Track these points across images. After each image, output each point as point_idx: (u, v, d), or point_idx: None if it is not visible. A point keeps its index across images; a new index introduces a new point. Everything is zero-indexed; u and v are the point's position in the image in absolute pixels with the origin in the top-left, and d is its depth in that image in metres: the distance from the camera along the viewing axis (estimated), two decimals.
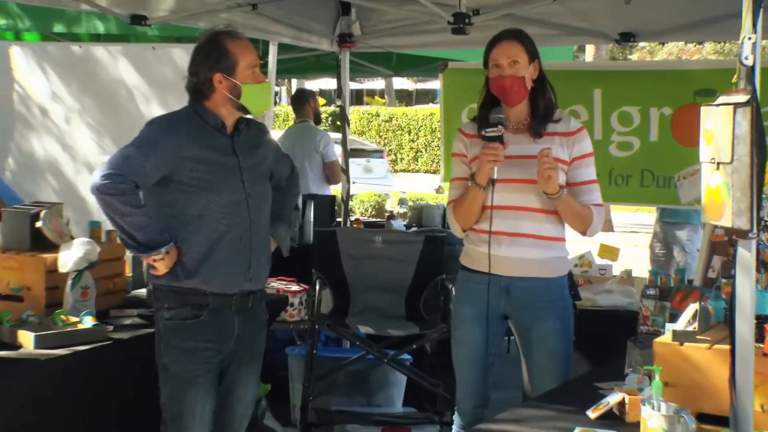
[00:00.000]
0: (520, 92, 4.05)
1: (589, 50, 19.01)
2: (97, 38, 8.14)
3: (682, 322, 3.29)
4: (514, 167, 4.01)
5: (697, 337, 3.18)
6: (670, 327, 3.27)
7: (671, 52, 27.33)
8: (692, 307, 3.30)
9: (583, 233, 4.16)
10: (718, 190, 2.62)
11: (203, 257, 3.81)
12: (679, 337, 3.17)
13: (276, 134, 9.45)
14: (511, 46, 4.05)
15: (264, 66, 8.51)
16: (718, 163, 2.63)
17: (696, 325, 3.24)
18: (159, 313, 3.90)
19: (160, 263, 3.78)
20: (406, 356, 5.86)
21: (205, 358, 3.85)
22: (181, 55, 6.85)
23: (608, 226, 17.59)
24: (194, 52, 3.89)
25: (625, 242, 14.26)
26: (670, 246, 8.01)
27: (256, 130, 4.04)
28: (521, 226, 4.05)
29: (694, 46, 26.22)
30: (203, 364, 3.85)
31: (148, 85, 7.23)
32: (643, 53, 29.28)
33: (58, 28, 7.96)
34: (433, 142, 27.96)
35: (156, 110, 6.89)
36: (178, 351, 3.84)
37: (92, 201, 7.36)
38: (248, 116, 3.96)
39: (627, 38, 6.27)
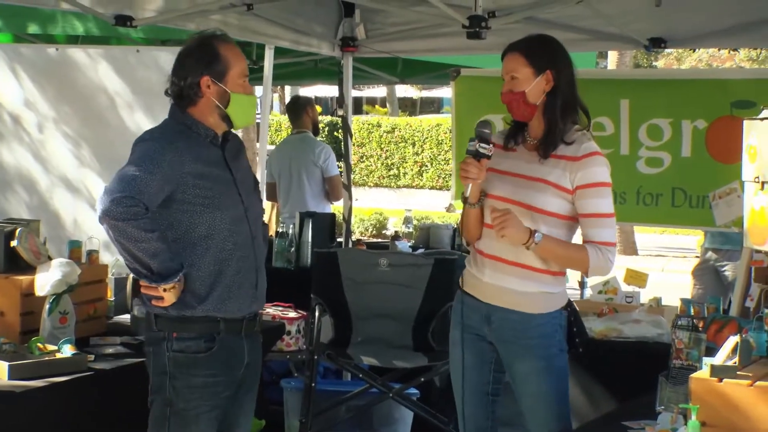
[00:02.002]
0: (520, 108, 4.05)
1: (612, 57, 19.03)
2: (75, 40, 8.15)
3: (721, 357, 3.29)
4: (508, 184, 4.04)
5: (738, 372, 3.18)
6: (707, 361, 3.28)
7: (701, 59, 27.34)
8: (732, 340, 3.31)
9: (585, 274, 4.16)
10: (763, 212, 2.64)
11: (213, 280, 3.84)
12: (718, 372, 3.18)
13: (270, 147, 9.49)
14: (511, 59, 4.07)
15: (259, 71, 8.56)
16: (764, 183, 2.65)
17: (736, 359, 3.25)
18: (163, 343, 3.84)
19: (170, 293, 3.76)
20: (412, 390, 5.86)
21: (213, 393, 3.86)
22: (168, 59, 6.79)
23: (631, 249, 17.60)
24: (182, 56, 3.92)
25: (652, 267, 14.27)
26: (718, 278, 7.65)
27: (235, 138, 4.08)
28: (500, 250, 4.04)
29: (728, 53, 26.23)
30: (210, 400, 3.86)
31: (131, 91, 7.23)
32: (670, 60, 29.31)
33: (33, 28, 7.96)
34: (439, 155, 27.96)
35: (140, 118, 6.90)
36: (188, 388, 3.83)
37: (68, 217, 7.44)
38: (233, 130, 3.99)
39: (657, 44, 6.29)
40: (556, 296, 4.10)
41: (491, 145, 3.98)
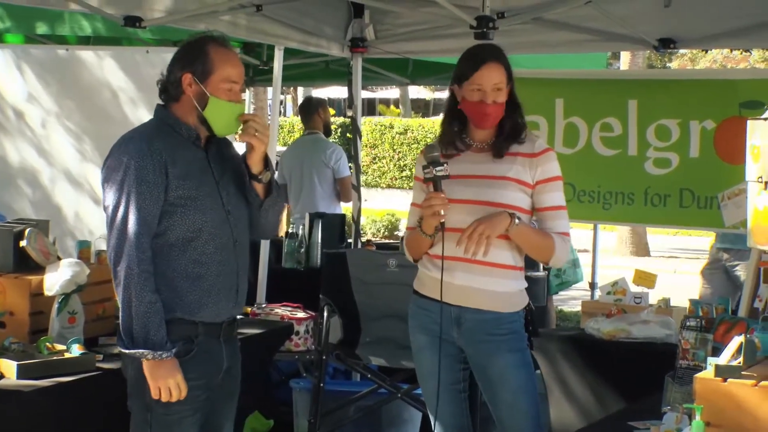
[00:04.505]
0: (498, 118, 4.11)
1: (624, 57, 19.00)
2: (86, 41, 8.18)
3: (726, 357, 3.29)
4: (469, 187, 4.06)
5: (742, 372, 3.18)
6: (712, 361, 3.28)
7: (715, 60, 27.32)
8: (737, 340, 3.31)
9: (546, 263, 4.23)
10: (767, 211, 2.64)
11: (191, 283, 3.77)
12: (723, 372, 3.18)
13: (281, 148, 9.52)
14: (496, 70, 4.07)
15: (268, 72, 8.59)
16: (767, 183, 2.65)
17: (741, 359, 3.25)
18: None
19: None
20: (421, 391, 5.86)
21: (193, 397, 3.76)
22: None
23: (644, 251, 17.58)
24: (176, 51, 3.89)
25: (663, 268, 14.26)
26: (729, 278, 7.59)
27: (224, 142, 4.00)
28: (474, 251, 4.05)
29: (740, 53, 26.19)
30: (191, 404, 3.77)
31: (135, 87, 7.25)
32: (684, 61, 29.29)
33: (42, 29, 7.98)
34: None
35: (143, 114, 6.91)
36: None
37: (70, 211, 7.48)
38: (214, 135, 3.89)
39: (666, 44, 6.28)
40: (524, 293, 4.20)
41: (445, 164, 3.98)
